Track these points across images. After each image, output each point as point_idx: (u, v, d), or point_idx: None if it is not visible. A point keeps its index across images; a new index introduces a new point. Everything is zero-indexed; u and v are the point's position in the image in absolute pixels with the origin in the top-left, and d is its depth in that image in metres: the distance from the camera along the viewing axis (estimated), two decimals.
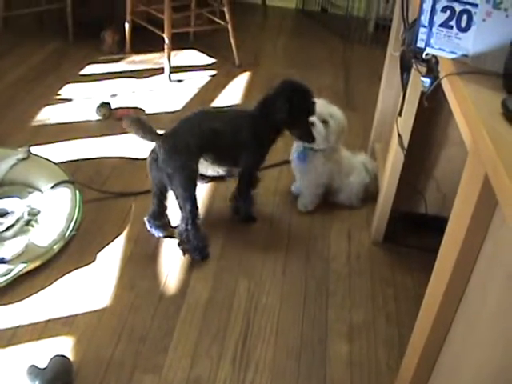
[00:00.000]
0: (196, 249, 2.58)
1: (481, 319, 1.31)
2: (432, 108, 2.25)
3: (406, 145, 2.46)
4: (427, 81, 1.87)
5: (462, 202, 1.40)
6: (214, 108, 2.72)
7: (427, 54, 1.72)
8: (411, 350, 1.75)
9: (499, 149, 1.13)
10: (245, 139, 2.61)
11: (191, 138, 2.50)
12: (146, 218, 2.71)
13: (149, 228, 2.72)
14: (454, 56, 1.58)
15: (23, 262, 2.41)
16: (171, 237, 2.69)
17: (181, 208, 2.52)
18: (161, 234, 2.72)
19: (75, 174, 3.02)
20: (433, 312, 1.52)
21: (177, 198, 2.51)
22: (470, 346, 1.37)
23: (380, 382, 2.15)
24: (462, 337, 1.44)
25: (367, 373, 2.18)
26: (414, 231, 2.82)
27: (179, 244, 2.60)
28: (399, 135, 2.43)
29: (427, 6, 1.58)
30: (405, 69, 2.31)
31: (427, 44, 1.63)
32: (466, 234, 1.34)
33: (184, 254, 2.62)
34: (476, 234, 1.33)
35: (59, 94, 3.96)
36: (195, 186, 2.52)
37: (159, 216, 2.70)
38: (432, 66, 1.83)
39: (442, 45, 1.60)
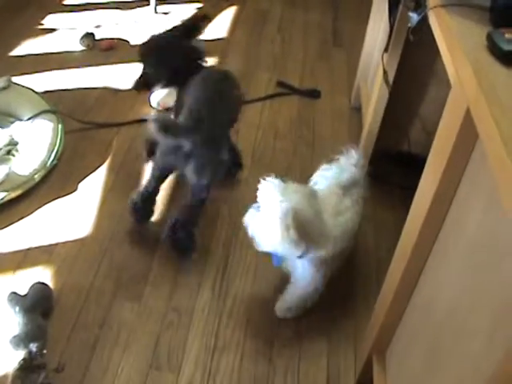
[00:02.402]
0: (188, 243, 2.31)
1: (456, 254, 1.33)
2: (419, 45, 2.22)
3: (391, 81, 2.44)
4: (415, 16, 1.85)
5: (444, 134, 1.39)
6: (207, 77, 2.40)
7: None
8: (388, 282, 1.77)
9: (481, 81, 1.12)
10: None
11: (223, 126, 2.34)
12: (130, 201, 2.37)
13: (133, 213, 2.40)
14: None
15: (4, 191, 2.40)
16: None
17: (193, 195, 2.25)
18: (143, 221, 2.45)
19: (57, 104, 2.98)
20: (411, 242, 1.53)
21: (193, 185, 2.24)
22: (444, 280, 1.39)
23: (357, 314, 2.20)
24: (437, 271, 1.46)
25: (344, 306, 2.21)
26: (397, 169, 2.83)
27: (172, 235, 2.28)
28: (385, 71, 2.42)
29: None
30: (393, 4, 2.28)
31: None
32: (445, 166, 1.34)
33: (173, 247, 2.31)
34: (455, 168, 1.33)
35: (42, 24, 3.88)
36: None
37: (150, 200, 2.40)
38: (420, 1, 1.81)
39: None
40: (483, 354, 1.09)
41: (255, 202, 1.88)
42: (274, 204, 1.78)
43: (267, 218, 1.80)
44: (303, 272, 2.02)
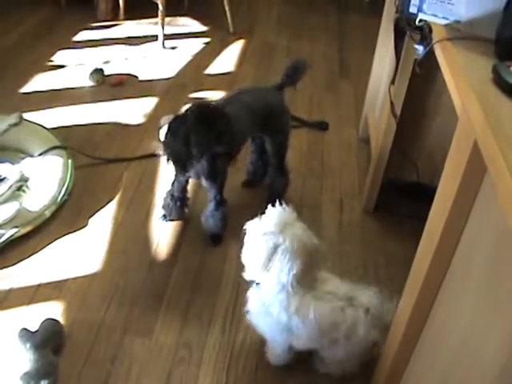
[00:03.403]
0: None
1: (466, 287, 1.32)
2: (425, 77, 2.24)
3: (398, 113, 2.45)
4: (420, 48, 1.87)
5: (452, 167, 1.40)
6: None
7: (420, 21, 1.72)
8: (400, 316, 1.76)
9: (488, 114, 1.13)
10: None
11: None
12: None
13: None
14: (446, 22, 1.58)
15: (15, 227, 2.41)
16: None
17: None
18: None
19: (67, 139, 3.01)
20: (421, 277, 1.53)
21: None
22: (457, 311, 1.38)
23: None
24: (448, 305, 1.45)
25: None
26: (406, 200, 2.82)
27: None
28: (392, 103, 2.43)
29: None
30: (399, 36, 2.30)
31: (420, 9, 1.63)
32: (454, 199, 1.34)
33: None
34: (464, 200, 1.33)
35: (52, 61, 3.93)
36: None
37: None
38: (425, 34, 1.83)
39: (435, 10, 1.59)
40: None
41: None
42: (268, 235, 1.76)
43: (258, 244, 1.78)
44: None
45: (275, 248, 1.74)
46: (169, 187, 2.59)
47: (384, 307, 1.90)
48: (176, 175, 2.52)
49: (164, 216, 2.65)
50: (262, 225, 1.80)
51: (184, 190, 2.58)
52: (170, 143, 2.22)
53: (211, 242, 2.56)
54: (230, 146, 2.27)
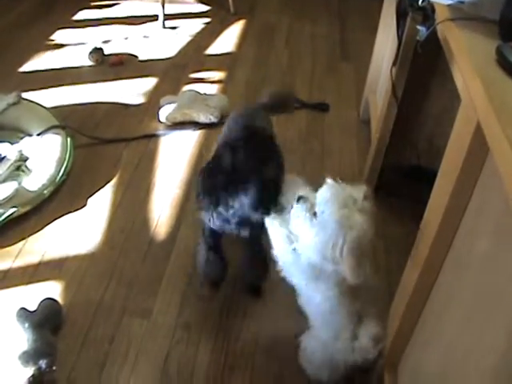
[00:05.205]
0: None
1: (468, 268, 1.31)
2: (428, 58, 2.22)
3: (399, 95, 2.43)
4: (423, 29, 1.85)
5: (454, 149, 1.39)
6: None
7: (423, 1, 1.70)
8: (399, 299, 1.76)
9: (492, 95, 1.12)
10: None
11: None
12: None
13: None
14: (449, 2, 1.56)
15: (13, 207, 2.40)
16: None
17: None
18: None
19: (67, 119, 2.99)
20: (421, 260, 1.52)
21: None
22: (456, 294, 1.38)
23: None
24: (449, 285, 1.44)
25: None
26: (406, 183, 2.81)
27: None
28: (393, 85, 2.41)
29: None
30: (401, 17, 2.28)
31: None
32: (456, 181, 1.33)
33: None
34: (466, 182, 1.32)
35: (51, 40, 3.91)
36: None
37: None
38: (428, 14, 1.81)
39: None
40: (498, 370, 1.08)
41: None
42: (339, 224, 1.61)
43: (325, 231, 1.60)
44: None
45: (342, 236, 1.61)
46: (200, 241, 2.16)
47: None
48: (206, 233, 2.09)
49: (214, 283, 2.27)
50: (322, 205, 1.62)
51: (220, 241, 2.14)
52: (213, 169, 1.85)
53: (253, 293, 2.27)
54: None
